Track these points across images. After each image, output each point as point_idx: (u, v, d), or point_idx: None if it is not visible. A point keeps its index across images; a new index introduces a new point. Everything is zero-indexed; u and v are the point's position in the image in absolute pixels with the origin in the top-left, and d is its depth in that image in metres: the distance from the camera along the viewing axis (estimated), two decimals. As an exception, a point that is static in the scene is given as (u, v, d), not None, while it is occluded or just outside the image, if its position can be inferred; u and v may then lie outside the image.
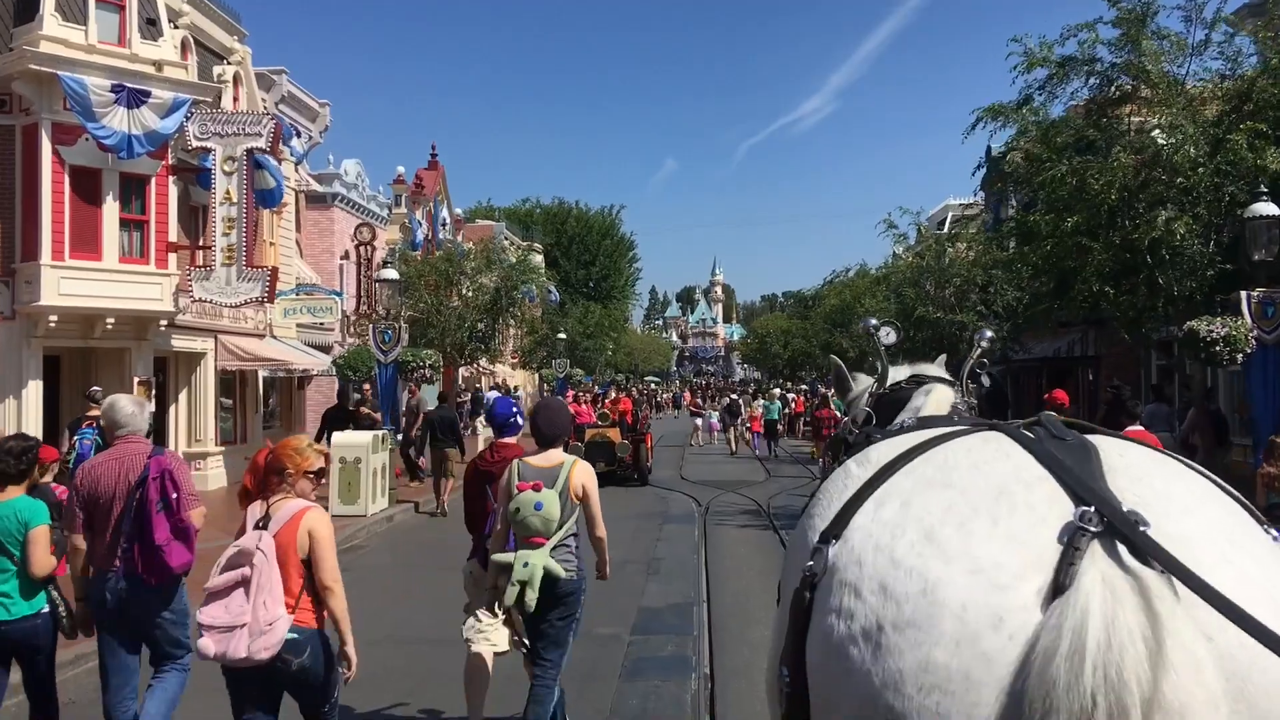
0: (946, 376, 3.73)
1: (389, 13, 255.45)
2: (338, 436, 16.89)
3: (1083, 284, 14.68)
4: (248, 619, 4.55)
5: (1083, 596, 1.79)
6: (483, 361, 42.66)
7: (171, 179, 18.40)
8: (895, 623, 1.98)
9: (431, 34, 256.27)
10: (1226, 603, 1.76)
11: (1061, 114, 16.07)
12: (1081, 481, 2.02)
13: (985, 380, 28.20)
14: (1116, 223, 14.23)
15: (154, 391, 18.68)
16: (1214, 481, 2.20)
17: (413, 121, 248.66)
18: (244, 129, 18.06)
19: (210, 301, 18.37)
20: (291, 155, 26.92)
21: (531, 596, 5.46)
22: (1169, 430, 15.95)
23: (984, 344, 4.08)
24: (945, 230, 36.52)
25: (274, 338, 24.59)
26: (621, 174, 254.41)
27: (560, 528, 5.63)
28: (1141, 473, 2.11)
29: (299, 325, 26.06)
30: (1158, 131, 14.36)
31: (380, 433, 17.83)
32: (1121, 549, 1.86)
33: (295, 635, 4.66)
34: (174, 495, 5.51)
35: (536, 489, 5.59)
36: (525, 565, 5.47)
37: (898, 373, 3.84)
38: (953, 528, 2.03)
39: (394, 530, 16.61)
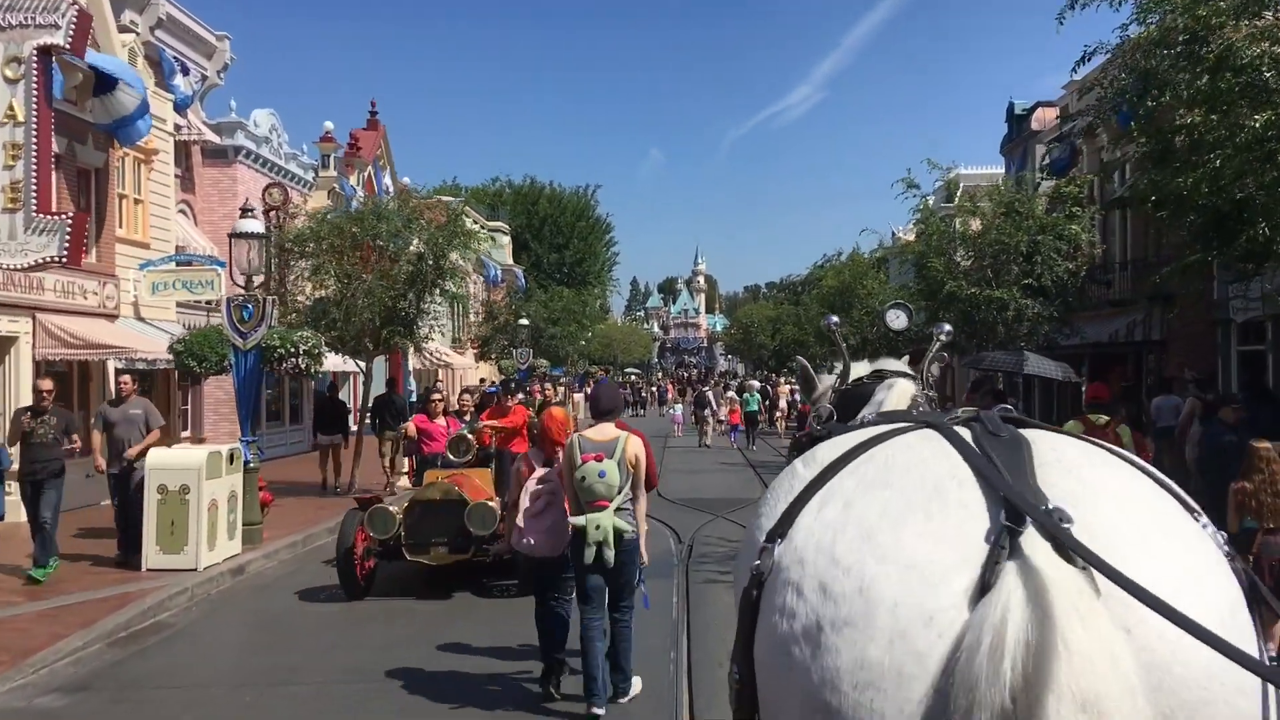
0: (908, 370, 3.79)
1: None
2: (154, 455, 11.69)
3: (1259, 220, 9.47)
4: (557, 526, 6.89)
5: (1004, 594, 1.83)
6: (434, 348, 37.39)
7: (-64, 92, 13.11)
8: (833, 622, 2.01)
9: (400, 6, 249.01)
10: (1142, 590, 1.79)
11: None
12: (1010, 478, 2.07)
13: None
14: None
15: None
16: (1146, 472, 2.25)
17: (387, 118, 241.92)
18: (32, 18, 12.79)
19: (-15, 262, 13.08)
20: (173, 95, 21.67)
21: (609, 554, 6.50)
22: (1173, 424, 15.24)
23: (943, 337, 4.14)
24: (956, 202, 31.43)
25: (139, 319, 19.33)
26: (606, 165, 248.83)
27: (620, 491, 6.60)
28: (1071, 466, 2.18)
29: (179, 305, 20.80)
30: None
31: (229, 449, 12.64)
32: (1045, 546, 1.89)
33: None
34: None
35: (599, 459, 6.57)
36: (598, 528, 6.49)
37: (860, 368, 3.92)
38: (888, 526, 2.07)
39: (239, 591, 11.40)
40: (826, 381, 4.04)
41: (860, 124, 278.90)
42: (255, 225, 13.46)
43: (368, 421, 19.20)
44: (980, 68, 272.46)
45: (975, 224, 23.67)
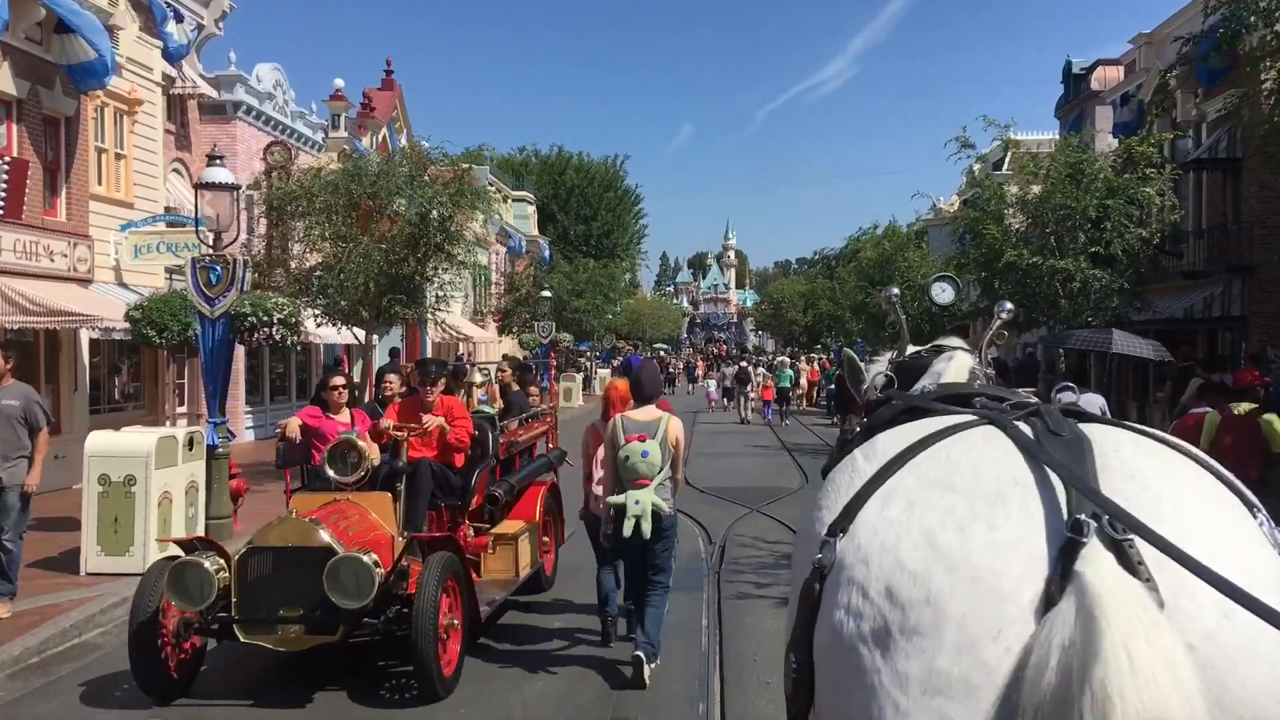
0: (964, 345, 3.72)
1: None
2: (95, 441, 10.02)
3: None
4: (592, 497, 7.57)
5: (1070, 610, 1.85)
6: (445, 320, 35.58)
7: None
8: (902, 628, 2.06)
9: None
10: (1221, 580, 1.83)
11: None
12: (1074, 485, 2.07)
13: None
14: None
15: None
16: (1211, 470, 2.23)
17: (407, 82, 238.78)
18: (-38, -71, 11.02)
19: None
20: (163, 42, 19.97)
21: (646, 527, 6.65)
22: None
23: (1003, 315, 4.13)
24: (1008, 162, 29.29)
25: (121, 285, 17.70)
26: (636, 139, 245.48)
27: (660, 471, 6.84)
28: (1134, 470, 2.16)
29: (168, 269, 19.14)
30: None
31: (189, 432, 10.97)
32: (1110, 558, 1.90)
33: None
34: None
35: (643, 439, 6.81)
36: (637, 503, 6.66)
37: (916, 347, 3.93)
38: (952, 532, 2.08)
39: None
40: (874, 370, 3.92)
41: (895, 99, 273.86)
42: (225, 175, 11.72)
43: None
44: (1026, 37, 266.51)
45: (1035, 189, 21.57)
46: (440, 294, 17.66)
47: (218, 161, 11.82)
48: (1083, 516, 1.97)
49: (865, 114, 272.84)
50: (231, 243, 11.94)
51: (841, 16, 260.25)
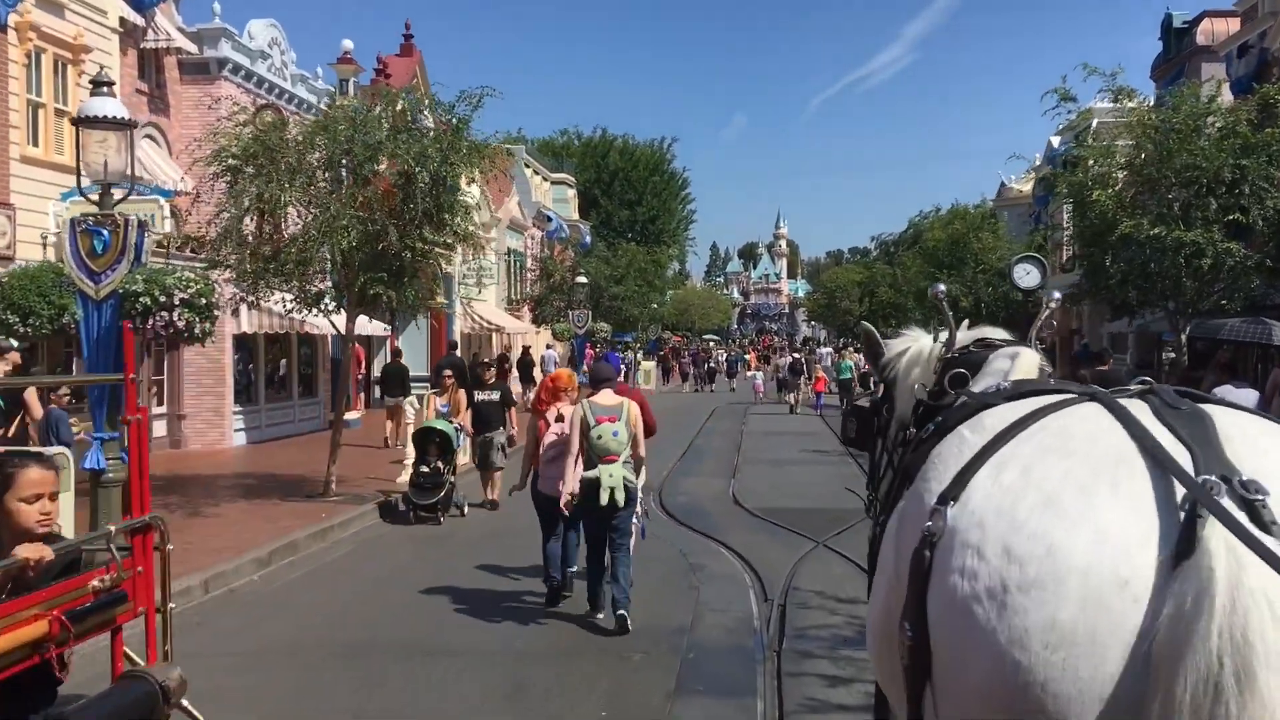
0: (1010, 337, 3.64)
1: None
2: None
3: None
4: (568, 474, 7.92)
5: (1207, 562, 1.83)
6: (471, 306, 32.75)
7: None
8: (1020, 584, 2.00)
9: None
10: None
11: None
12: (1200, 450, 2.04)
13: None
14: None
15: None
16: None
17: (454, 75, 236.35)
18: None
19: None
20: (129, -13, 17.20)
21: (620, 496, 7.65)
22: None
23: (1053, 305, 4.11)
24: (1090, 142, 25.57)
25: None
26: (688, 129, 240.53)
27: (626, 447, 7.81)
28: (1257, 441, 2.13)
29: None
30: None
31: (55, 451, 8.06)
32: (1242, 515, 1.88)
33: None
34: None
35: (612, 420, 7.75)
36: (610, 476, 7.62)
37: (960, 337, 3.68)
38: (1073, 493, 2.05)
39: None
40: (894, 347, 3.86)
41: (953, 86, 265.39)
42: (112, 106, 8.85)
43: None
44: (1085, 24, 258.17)
45: (1149, 147, 18.04)
46: (435, 272, 14.64)
47: (105, 90, 8.92)
48: (1211, 477, 1.93)
49: (921, 101, 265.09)
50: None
51: (897, 1, 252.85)
